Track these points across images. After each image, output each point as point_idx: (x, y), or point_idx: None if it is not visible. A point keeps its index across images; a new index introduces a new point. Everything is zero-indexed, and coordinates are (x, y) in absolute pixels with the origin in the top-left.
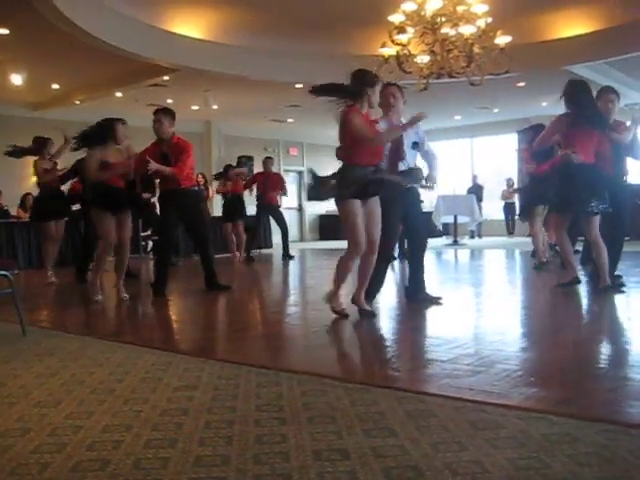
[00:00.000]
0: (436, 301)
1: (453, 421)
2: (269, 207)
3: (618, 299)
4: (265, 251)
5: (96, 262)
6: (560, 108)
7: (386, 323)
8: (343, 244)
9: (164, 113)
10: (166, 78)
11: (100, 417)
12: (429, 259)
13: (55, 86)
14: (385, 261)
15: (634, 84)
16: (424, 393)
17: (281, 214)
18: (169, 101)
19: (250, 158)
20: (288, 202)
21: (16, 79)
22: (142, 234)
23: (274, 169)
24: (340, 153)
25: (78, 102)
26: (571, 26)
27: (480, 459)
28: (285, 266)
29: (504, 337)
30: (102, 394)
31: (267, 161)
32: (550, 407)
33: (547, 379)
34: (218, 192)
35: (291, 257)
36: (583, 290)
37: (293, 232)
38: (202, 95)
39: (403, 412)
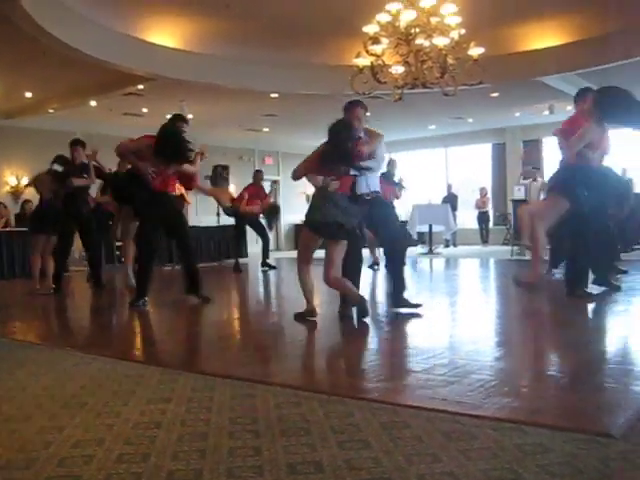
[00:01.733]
0: (415, 307)
1: (427, 432)
2: (251, 218)
3: (593, 308)
4: (242, 260)
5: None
6: (534, 117)
7: (362, 333)
8: (318, 254)
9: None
10: (141, 87)
11: (71, 431)
12: (407, 267)
13: (28, 94)
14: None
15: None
16: (398, 404)
17: (262, 224)
18: (144, 110)
19: (225, 167)
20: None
21: None
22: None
23: (249, 178)
24: None
25: (52, 110)
26: (544, 37)
27: (453, 470)
28: (264, 276)
29: (478, 346)
30: (74, 408)
31: (258, 174)
32: (523, 417)
33: (520, 389)
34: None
35: (273, 267)
36: (559, 298)
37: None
38: (177, 104)
39: (377, 424)
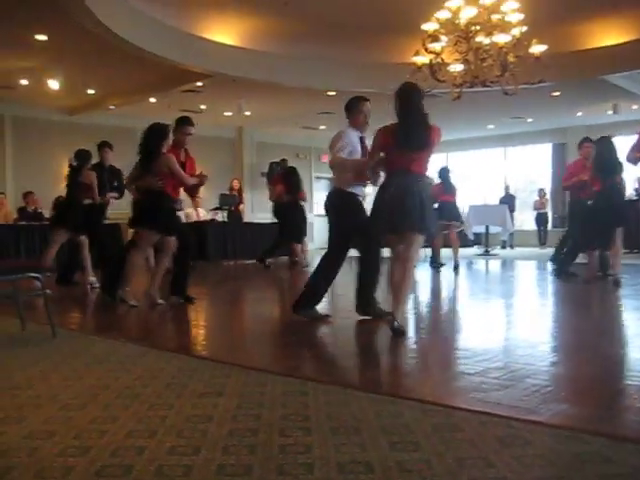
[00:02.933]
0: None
1: (480, 436)
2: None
3: None
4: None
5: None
6: (597, 117)
7: (414, 333)
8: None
9: (191, 124)
10: (199, 84)
11: (125, 422)
12: (462, 268)
13: (90, 91)
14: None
15: None
16: (451, 406)
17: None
18: (202, 107)
19: (279, 163)
20: (320, 209)
21: (53, 84)
22: None
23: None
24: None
25: (112, 107)
26: (607, 35)
27: (507, 476)
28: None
29: (534, 351)
30: (127, 399)
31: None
32: (581, 425)
33: (578, 395)
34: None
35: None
36: (618, 302)
37: (323, 239)
38: (235, 101)
39: (429, 425)
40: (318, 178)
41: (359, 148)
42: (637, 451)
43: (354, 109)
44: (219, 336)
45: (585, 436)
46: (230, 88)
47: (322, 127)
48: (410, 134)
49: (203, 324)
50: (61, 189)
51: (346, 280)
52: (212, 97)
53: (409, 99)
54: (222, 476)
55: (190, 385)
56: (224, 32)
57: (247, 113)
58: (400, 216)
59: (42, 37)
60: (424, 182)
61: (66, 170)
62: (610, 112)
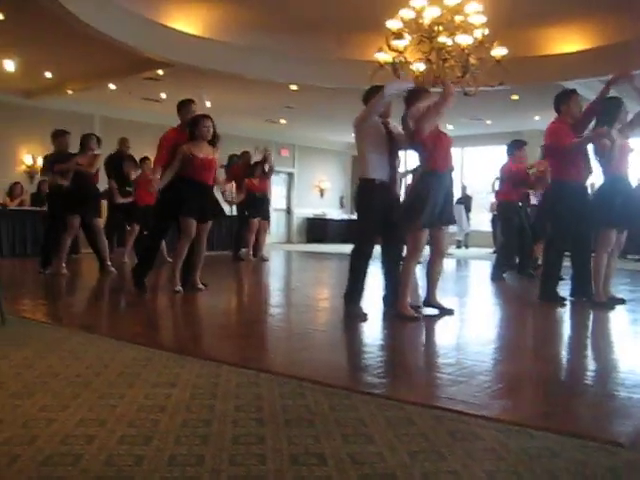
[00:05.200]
0: (418, 310)
1: (432, 430)
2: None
3: (607, 315)
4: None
5: (176, 255)
6: (546, 122)
7: (370, 329)
8: (329, 248)
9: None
10: (160, 72)
11: (75, 411)
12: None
13: (48, 74)
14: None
15: (626, 102)
16: (404, 401)
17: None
18: (162, 95)
19: (239, 157)
20: (277, 203)
21: (9, 65)
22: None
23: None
24: None
25: (71, 92)
26: (566, 43)
27: (458, 470)
28: (270, 266)
29: (486, 348)
30: (78, 387)
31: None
32: (530, 420)
33: (528, 392)
34: (238, 186)
35: (242, 259)
36: (570, 305)
37: (280, 234)
38: (196, 92)
39: (383, 419)
40: (277, 172)
41: (383, 130)
42: (583, 446)
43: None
44: (174, 326)
45: (533, 431)
46: (191, 78)
47: (283, 121)
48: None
49: (159, 314)
50: (16, 173)
51: (301, 275)
52: (173, 86)
53: None
54: (173, 466)
55: (143, 375)
56: (187, 21)
57: (208, 104)
58: (446, 210)
59: None
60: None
61: (23, 155)
62: None
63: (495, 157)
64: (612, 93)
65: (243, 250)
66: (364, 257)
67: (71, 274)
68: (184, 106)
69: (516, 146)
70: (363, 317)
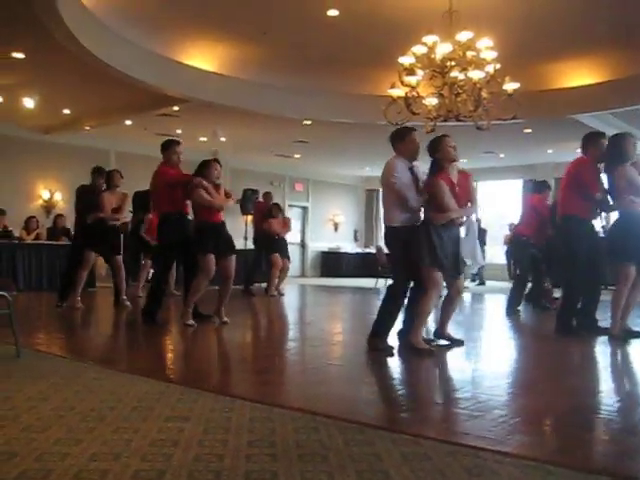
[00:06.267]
0: (431, 344)
1: (448, 466)
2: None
3: (624, 349)
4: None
5: (193, 291)
6: (566, 155)
7: (385, 364)
8: (344, 282)
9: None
10: (176, 108)
11: (89, 445)
12: None
13: (66, 111)
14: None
15: (637, 134)
16: (420, 436)
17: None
18: (178, 131)
19: (255, 192)
20: (291, 237)
21: (28, 102)
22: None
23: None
24: None
25: (88, 128)
26: (578, 76)
27: None
28: (283, 301)
29: (502, 382)
30: (92, 421)
31: (267, 196)
32: (547, 456)
33: (544, 427)
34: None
35: (253, 294)
36: (589, 338)
37: (295, 267)
38: (210, 127)
39: (398, 454)
40: (291, 206)
41: (410, 177)
42: None
43: (406, 138)
44: (188, 360)
45: (550, 467)
46: (206, 114)
47: (297, 155)
48: None
49: (173, 348)
50: (33, 208)
51: (316, 309)
52: (188, 122)
53: None
54: None
55: (157, 409)
56: (203, 58)
57: (222, 139)
58: (459, 259)
59: (19, 55)
60: None
61: (40, 189)
62: (579, 150)
63: (509, 190)
64: (620, 126)
65: (255, 285)
66: (401, 294)
67: (86, 308)
68: (170, 146)
69: (545, 186)
70: (389, 351)
